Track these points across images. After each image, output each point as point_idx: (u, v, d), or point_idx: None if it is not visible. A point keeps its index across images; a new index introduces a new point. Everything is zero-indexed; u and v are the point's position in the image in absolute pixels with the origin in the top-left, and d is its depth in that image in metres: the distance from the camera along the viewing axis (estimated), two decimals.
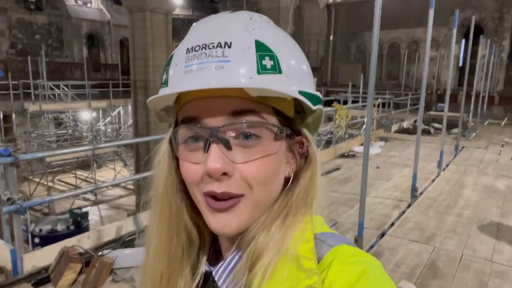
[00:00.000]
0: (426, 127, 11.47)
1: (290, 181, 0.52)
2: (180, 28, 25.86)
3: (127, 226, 3.61)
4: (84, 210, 9.20)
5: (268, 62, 0.46)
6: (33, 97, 14.37)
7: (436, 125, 11.78)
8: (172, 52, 0.51)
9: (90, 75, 17.63)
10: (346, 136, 9.47)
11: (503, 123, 13.60)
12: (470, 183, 6.12)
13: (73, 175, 14.65)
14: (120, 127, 17.59)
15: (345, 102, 12.23)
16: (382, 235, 4.07)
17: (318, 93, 0.52)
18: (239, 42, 0.46)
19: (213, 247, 0.58)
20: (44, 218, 8.47)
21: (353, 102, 12.27)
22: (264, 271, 0.45)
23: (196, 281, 0.55)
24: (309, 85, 0.51)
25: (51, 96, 15.23)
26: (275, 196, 0.51)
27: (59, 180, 14.77)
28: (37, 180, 13.81)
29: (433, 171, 6.68)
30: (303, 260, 0.45)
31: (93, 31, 21.72)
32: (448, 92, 6.63)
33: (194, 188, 0.50)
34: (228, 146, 0.47)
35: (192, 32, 0.51)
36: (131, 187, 13.55)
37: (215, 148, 0.46)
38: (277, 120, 0.49)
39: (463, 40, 20.14)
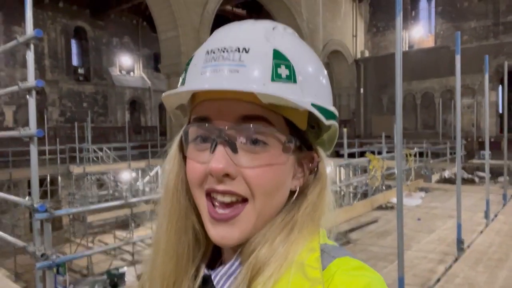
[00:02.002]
0: (470, 176, 10.91)
1: (296, 195, 0.51)
2: None
3: None
4: (121, 270, 9.21)
5: (283, 71, 0.46)
6: (78, 161, 15.21)
7: (480, 173, 11.19)
8: (193, 54, 0.53)
9: (131, 137, 18.59)
10: (383, 187, 9.16)
11: None
12: None
13: (112, 235, 14.91)
14: (157, 186, 18.02)
15: (379, 153, 11.99)
16: None
17: (333, 109, 0.51)
18: (257, 48, 0.47)
19: (214, 250, 0.56)
20: (83, 280, 8.55)
21: (389, 152, 12.01)
22: (266, 286, 0.44)
23: (197, 284, 0.54)
24: (325, 100, 0.50)
25: (94, 158, 16.06)
26: (278, 208, 0.50)
27: (99, 240, 15.05)
28: (78, 241, 14.15)
29: (480, 222, 6.23)
30: (308, 269, 0.45)
31: (135, 97, 23.26)
32: (487, 139, 6.38)
33: (196, 189, 0.50)
34: (234, 148, 0.47)
35: (214, 36, 0.52)
36: None
37: (220, 149, 0.47)
38: (287, 130, 0.49)
39: (500, 86, 19.64)
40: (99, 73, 21.66)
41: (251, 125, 0.47)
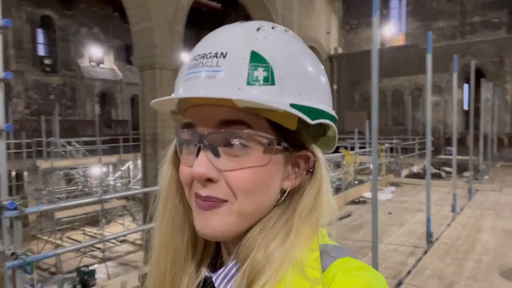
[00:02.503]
0: (437, 171, 11.32)
1: (286, 194, 0.51)
2: None
3: (132, 281, 3.50)
4: (91, 268, 8.99)
5: (260, 73, 0.46)
6: (45, 155, 14.67)
7: (447, 168, 11.64)
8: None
9: (102, 131, 18.09)
10: (356, 182, 9.37)
11: None
12: (488, 227, 5.91)
13: (82, 232, 14.51)
14: (129, 181, 17.68)
15: (352, 149, 12.24)
16: (399, 284, 3.88)
17: (324, 107, 0.50)
18: (235, 52, 0.47)
19: (215, 252, 0.57)
20: (51, 278, 8.28)
21: (361, 148, 12.28)
22: None
23: (196, 283, 0.54)
24: (313, 98, 0.49)
25: (62, 153, 15.54)
26: (264, 208, 0.50)
27: (68, 237, 14.61)
28: (46, 238, 13.68)
29: (447, 216, 6.50)
30: (308, 269, 0.45)
31: (106, 89, 22.60)
32: (455, 135, 6.62)
33: (187, 190, 0.51)
34: (216, 153, 0.48)
35: (201, 41, 0.52)
36: (140, 242, 13.31)
37: (202, 154, 0.48)
38: (271, 132, 0.48)
39: (466, 85, 20.47)
40: (67, 64, 20.87)
41: (230, 129, 0.47)
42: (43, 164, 14.37)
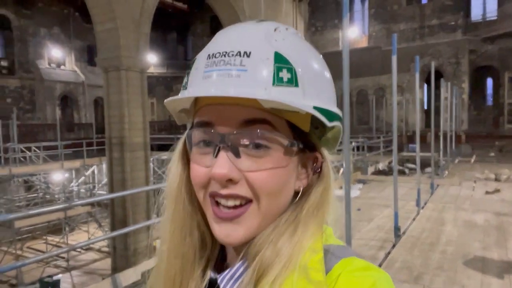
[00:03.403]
0: (401, 167, 11.75)
1: (299, 195, 0.52)
2: (155, 84, 26.38)
3: None
4: (55, 278, 8.62)
5: (285, 75, 0.46)
6: (2, 161, 13.92)
7: (410, 165, 12.11)
8: (195, 57, 0.52)
9: (63, 135, 17.39)
10: None
11: (473, 160, 14.13)
12: (450, 219, 6.21)
13: (44, 241, 13.87)
14: (94, 187, 17.11)
15: None
16: None
17: (337, 110, 0.52)
18: (259, 52, 0.46)
19: (220, 253, 0.56)
20: None
21: None
22: (271, 287, 0.44)
23: (203, 285, 0.53)
24: (328, 101, 0.51)
25: (21, 159, 14.81)
26: (282, 208, 0.51)
27: (28, 247, 13.92)
28: (5, 249, 12.97)
29: (412, 210, 6.76)
30: (311, 272, 0.44)
31: (67, 92, 21.77)
32: (418, 133, 6.91)
33: (200, 192, 0.50)
34: (236, 153, 0.47)
35: (216, 39, 0.51)
36: (106, 249, 12.91)
37: (223, 155, 0.47)
38: (290, 133, 0.49)
39: (425, 85, 21.41)
40: (25, 66, 19.92)
41: (253, 129, 0.47)
42: (0, 171, 13.63)
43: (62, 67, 21.77)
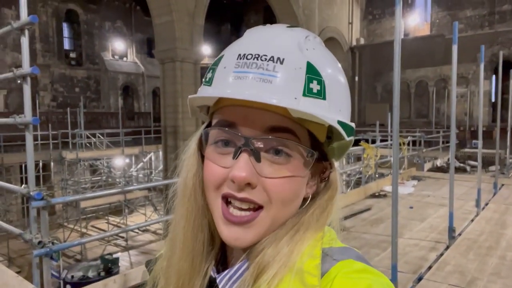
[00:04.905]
0: (462, 164, 11.04)
1: (308, 202, 0.52)
2: None
3: None
4: (115, 256, 9.26)
5: (315, 86, 0.46)
6: (70, 146, 15.10)
7: (472, 162, 11.32)
8: (222, 53, 0.51)
9: (124, 123, 18.44)
10: (377, 175, 9.25)
11: None
12: None
13: (106, 221, 14.92)
14: (151, 173, 18.01)
15: (373, 142, 12.06)
16: (419, 279, 3.83)
17: (353, 124, 0.52)
18: (292, 60, 0.46)
19: (221, 252, 0.57)
20: (77, 265, 8.58)
21: (382, 141, 12.08)
22: (269, 285, 0.45)
23: (205, 283, 0.54)
24: (348, 115, 0.51)
25: (87, 144, 15.96)
26: (291, 215, 0.51)
27: (92, 226, 15.06)
28: (72, 226, 14.15)
29: (471, 211, 6.33)
30: (307, 276, 0.45)
31: (128, 82, 22.99)
32: (481, 128, 6.42)
33: (211, 191, 0.50)
34: (258, 158, 0.47)
35: (246, 39, 0.51)
36: (161, 231, 13.59)
37: (244, 157, 0.47)
38: (309, 143, 0.49)
39: (493, 76, 19.74)
40: (91, 58, 21.33)
41: (278, 136, 0.47)
42: (68, 155, 14.80)
43: (124, 58, 23.00)
